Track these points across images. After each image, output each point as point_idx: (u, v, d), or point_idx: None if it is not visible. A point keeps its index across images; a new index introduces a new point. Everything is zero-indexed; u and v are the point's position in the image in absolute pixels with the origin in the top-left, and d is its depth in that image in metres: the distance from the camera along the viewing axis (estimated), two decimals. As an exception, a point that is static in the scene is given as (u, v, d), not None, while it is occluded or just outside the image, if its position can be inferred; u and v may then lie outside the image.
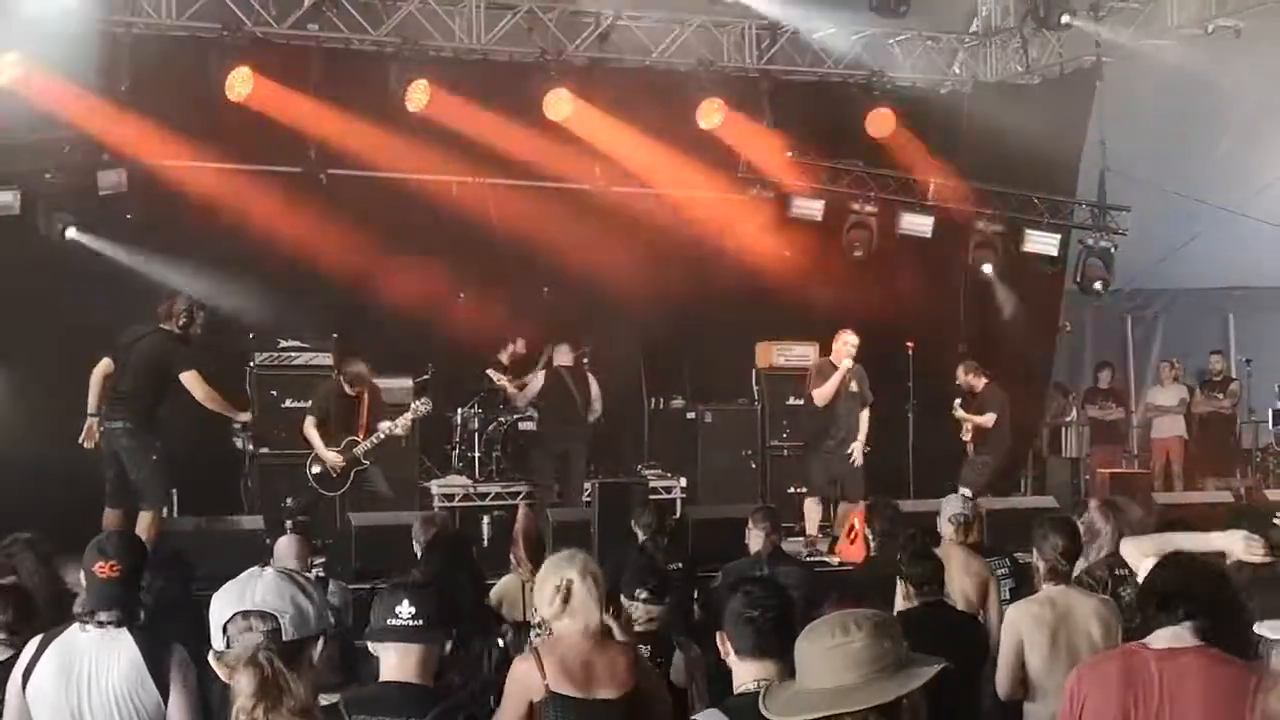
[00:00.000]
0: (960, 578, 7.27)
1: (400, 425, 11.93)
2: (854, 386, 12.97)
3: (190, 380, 10.41)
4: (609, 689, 4.93)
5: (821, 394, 12.86)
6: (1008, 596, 7.77)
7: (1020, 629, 5.93)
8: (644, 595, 5.78)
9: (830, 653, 2.91)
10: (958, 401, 14.09)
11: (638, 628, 5.74)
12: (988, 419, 13.89)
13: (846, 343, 12.92)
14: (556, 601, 5.01)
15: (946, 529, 7.95)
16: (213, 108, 12.84)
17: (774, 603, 3.99)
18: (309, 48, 13.65)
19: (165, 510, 10.76)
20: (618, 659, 5.02)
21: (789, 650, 3.26)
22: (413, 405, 12.20)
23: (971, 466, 13.94)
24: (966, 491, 9.09)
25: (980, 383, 14.09)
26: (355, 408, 11.92)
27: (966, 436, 14.10)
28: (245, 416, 11.16)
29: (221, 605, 3.27)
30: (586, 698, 4.88)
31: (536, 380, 13.56)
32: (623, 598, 5.83)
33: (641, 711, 5.00)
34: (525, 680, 4.92)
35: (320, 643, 3.26)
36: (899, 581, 6.36)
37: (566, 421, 13.46)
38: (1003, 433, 14.10)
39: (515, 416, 14.19)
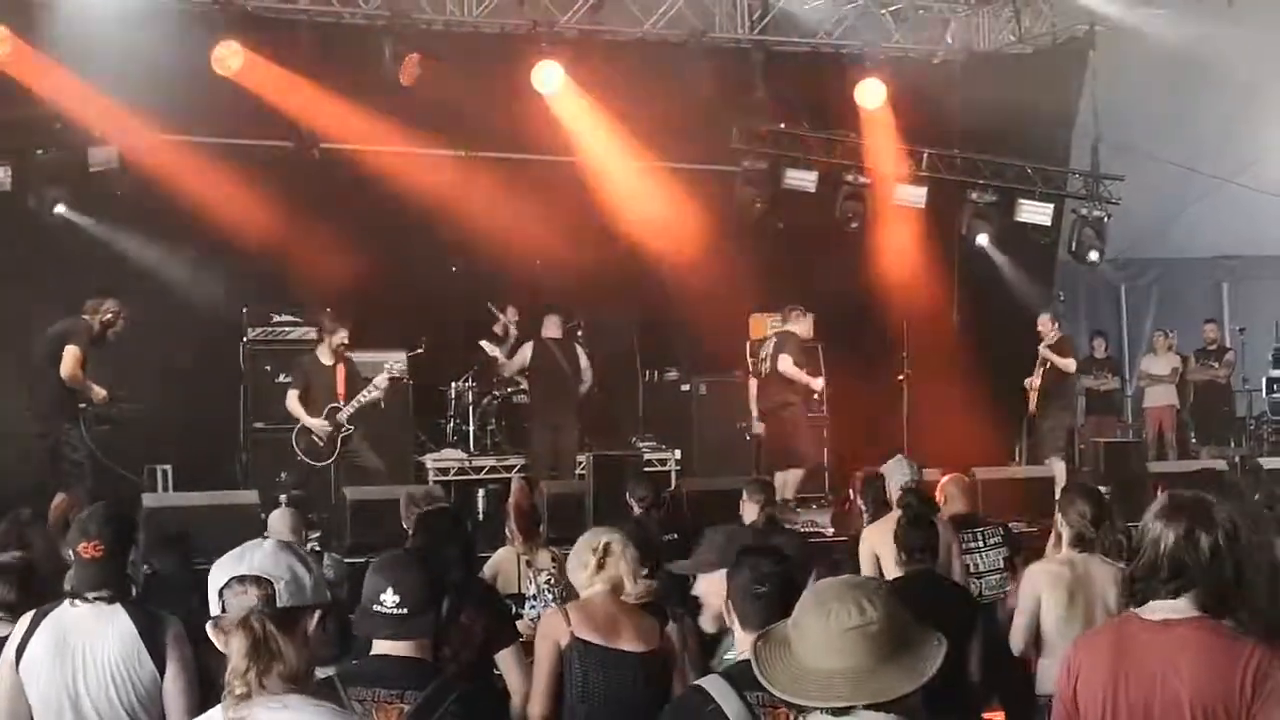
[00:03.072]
0: None
1: (378, 386, 11.91)
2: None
3: (68, 352, 10.68)
4: (633, 644, 5.03)
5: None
6: (1000, 565, 7.82)
7: (1039, 585, 5.99)
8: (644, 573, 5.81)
9: (846, 635, 2.78)
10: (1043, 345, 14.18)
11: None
12: (1069, 363, 14.09)
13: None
14: (591, 564, 5.15)
15: (896, 496, 7.92)
16: (202, 83, 12.75)
17: (778, 577, 4.01)
18: (299, 21, 13.59)
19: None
20: (646, 620, 5.16)
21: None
22: (386, 365, 12.19)
23: (1048, 437, 14.08)
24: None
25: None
26: (333, 378, 11.94)
27: (1033, 384, 14.12)
28: (101, 394, 10.97)
29: (220, 572, 3.28)
30: (609, 646, 5.00)
31: (524, 351, 13.51)
32: None
33: (663, 671, 5.10)
34: (552, 630, 5.08)
35: (316, 616, 3.26)
36: (894, 548, 6.34)
37: (556, 393, 13.37)
38: (1067, 390, 14.38)
39: (509, 390, 14.16)
